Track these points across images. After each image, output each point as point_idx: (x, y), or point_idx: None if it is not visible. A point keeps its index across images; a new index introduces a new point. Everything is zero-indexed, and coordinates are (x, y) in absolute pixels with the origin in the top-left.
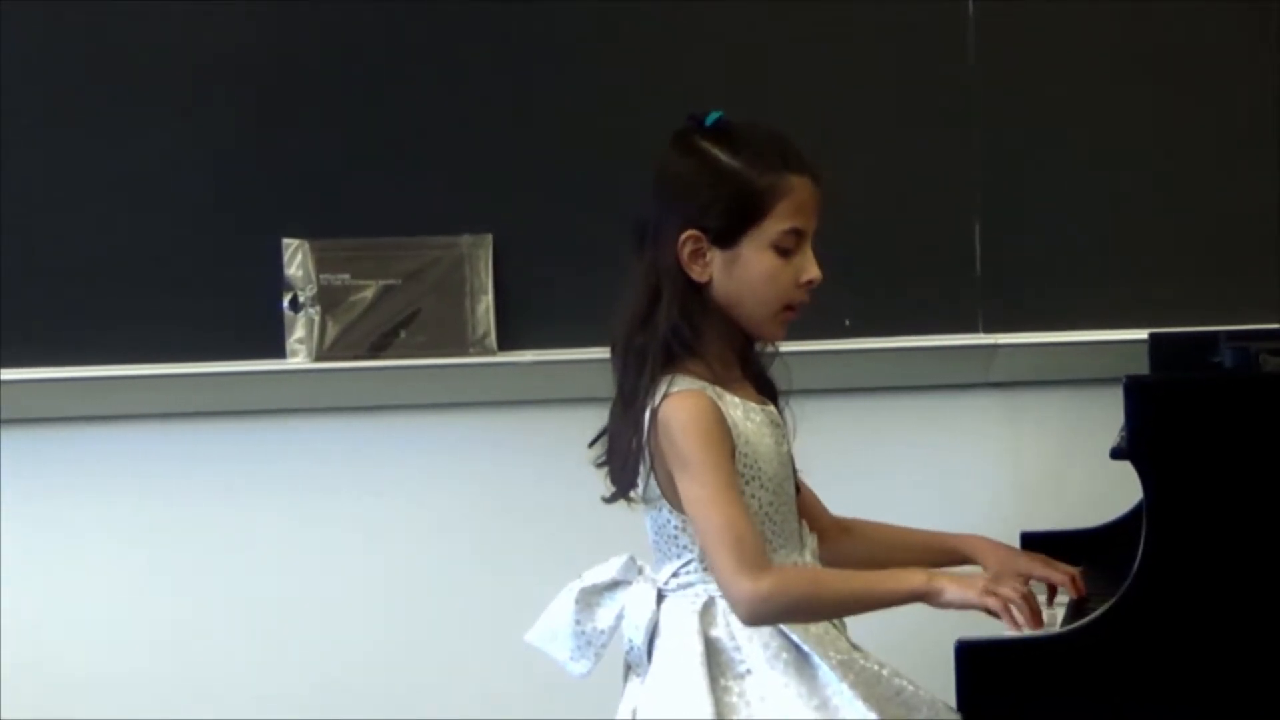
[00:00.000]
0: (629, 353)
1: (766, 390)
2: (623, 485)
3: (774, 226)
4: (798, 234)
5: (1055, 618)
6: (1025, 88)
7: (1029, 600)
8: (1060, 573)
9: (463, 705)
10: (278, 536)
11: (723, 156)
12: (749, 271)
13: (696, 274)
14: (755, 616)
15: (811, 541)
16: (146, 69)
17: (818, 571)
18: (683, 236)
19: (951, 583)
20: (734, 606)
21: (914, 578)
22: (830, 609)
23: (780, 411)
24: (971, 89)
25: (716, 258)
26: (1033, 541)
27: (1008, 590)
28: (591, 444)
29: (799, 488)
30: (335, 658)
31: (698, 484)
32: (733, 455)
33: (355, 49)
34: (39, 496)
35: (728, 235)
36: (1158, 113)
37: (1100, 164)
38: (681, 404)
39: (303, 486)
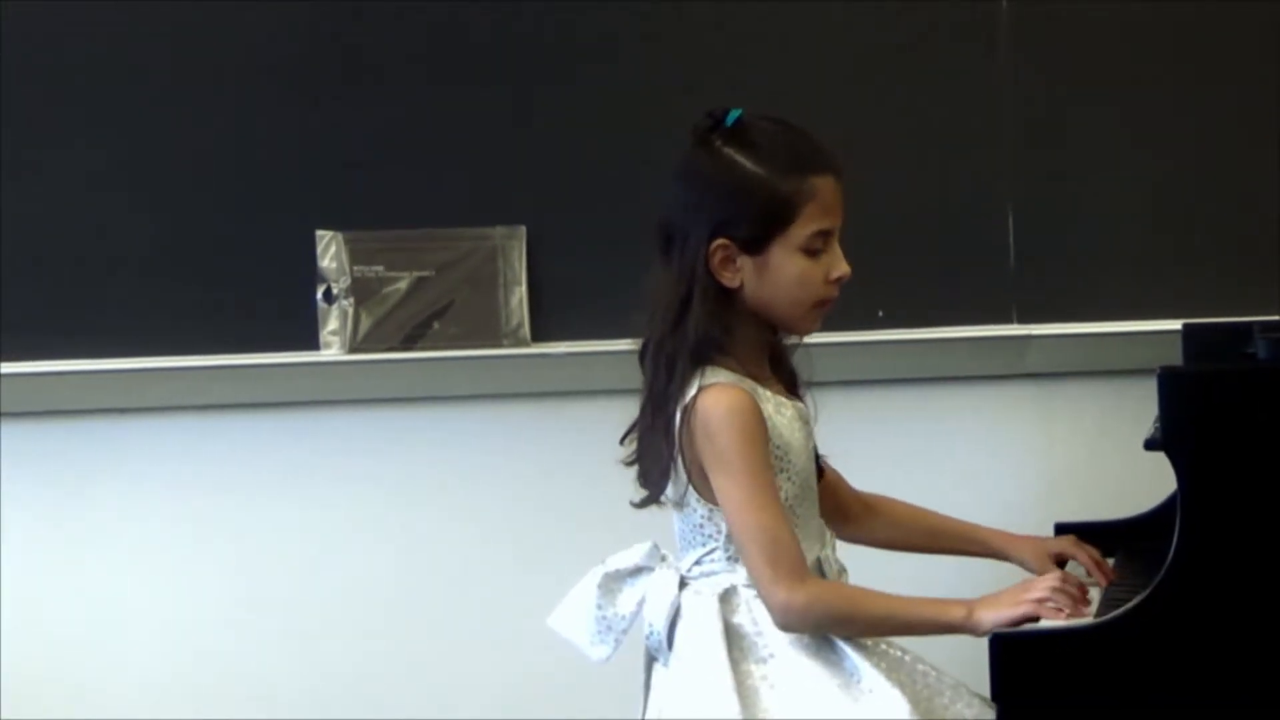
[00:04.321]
0: (659, 357)
1: (794, 387)
2: (654, 490)
3: (801, 231)
4: (825, 234)
5: (1091, 606)
6: (1059, 78)
7: (1066, 586)
8: (1085, 554)
9: (489, 692)
10: (310, 528)
11: (746, 163)
12: (779, 275)
13: (727, 280)
14: (789, 626)
15: (831, 540)
16: (179, 61)
17: (855, 591)
18: (712, 245)
19: (988, 609)
20: (770, 613)
21: (953, 611)
22: (865, 629)
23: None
24: (1005, 79)
25: (746, 264)
26: (1066, 532)
27: (1040, 591)
28: (622, 440)
29: (823, 472)
30: (365, 650)
31: (735, 485)
32: (767, 450)
33: (389, 40)
34: (70, 490)
35: (756, 243)
36: (1193, 103)
37: (1135, 154)
38: (718, 397)
39: (336, 478)
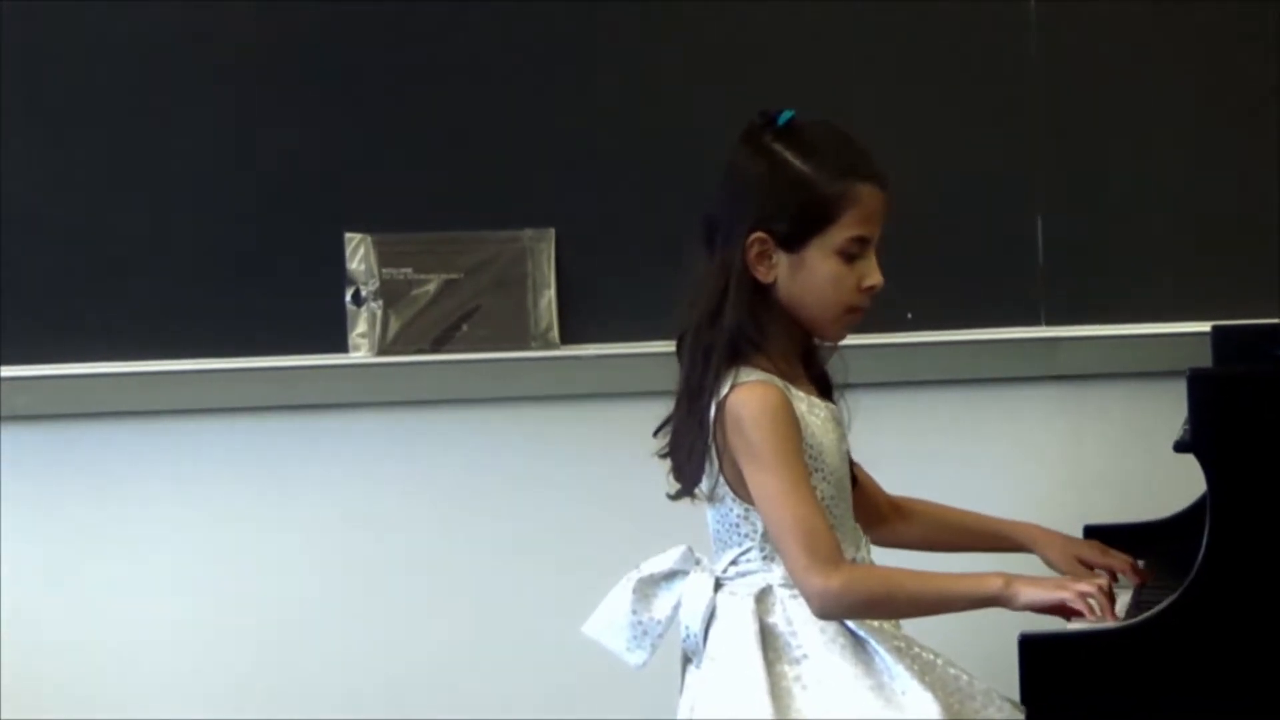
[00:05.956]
0: (696, 348)
1: (827, 390)
2: (687, 482)
3: (840, 234)
4: (863, 241)
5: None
6: (1088, 81)
7: (1105, 592)
8: (1119, 560)
9: (520, 699)
10: (338, 531)
11: (794, 160)
12: (813, 276)
13: (761, 275)
14: (826, 612)
15: (865, 542)
16: (208, 62)
17: (892, 571)
18: (750, 238)
19: (1027, 585)
20: (807, 601)
21: (991, 581)
22: (903, 608)
23: (838, 407)
24: (1034, 82)
25: (782, 260)
26: (1095, 534)
27: (1085, 585)
28: (656, 433)
29: (855, 477)
30: (393, 654)
31: (770, 477)
32: (801, 446)
33: (417, 43)
34: (99, 490)
35: (794, 240)
36: (1222, 105)
37: (1163, 156)
38: (752, 394)
39: (364, 481)
